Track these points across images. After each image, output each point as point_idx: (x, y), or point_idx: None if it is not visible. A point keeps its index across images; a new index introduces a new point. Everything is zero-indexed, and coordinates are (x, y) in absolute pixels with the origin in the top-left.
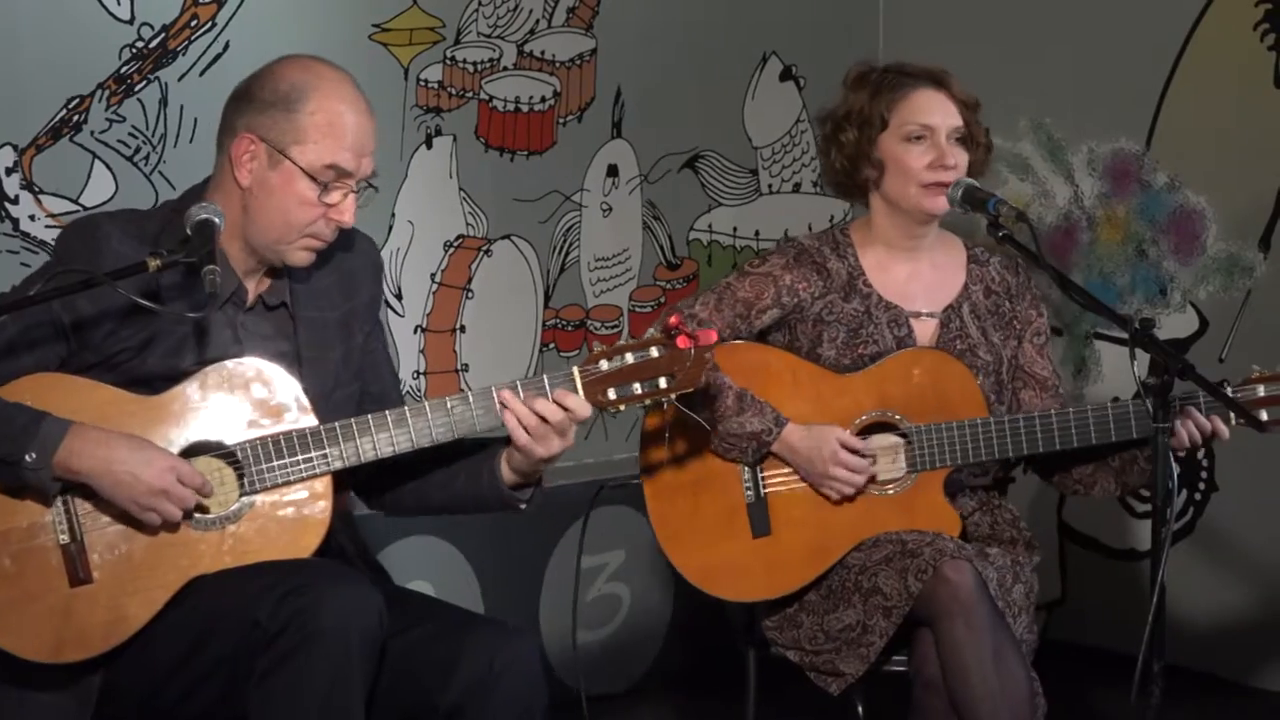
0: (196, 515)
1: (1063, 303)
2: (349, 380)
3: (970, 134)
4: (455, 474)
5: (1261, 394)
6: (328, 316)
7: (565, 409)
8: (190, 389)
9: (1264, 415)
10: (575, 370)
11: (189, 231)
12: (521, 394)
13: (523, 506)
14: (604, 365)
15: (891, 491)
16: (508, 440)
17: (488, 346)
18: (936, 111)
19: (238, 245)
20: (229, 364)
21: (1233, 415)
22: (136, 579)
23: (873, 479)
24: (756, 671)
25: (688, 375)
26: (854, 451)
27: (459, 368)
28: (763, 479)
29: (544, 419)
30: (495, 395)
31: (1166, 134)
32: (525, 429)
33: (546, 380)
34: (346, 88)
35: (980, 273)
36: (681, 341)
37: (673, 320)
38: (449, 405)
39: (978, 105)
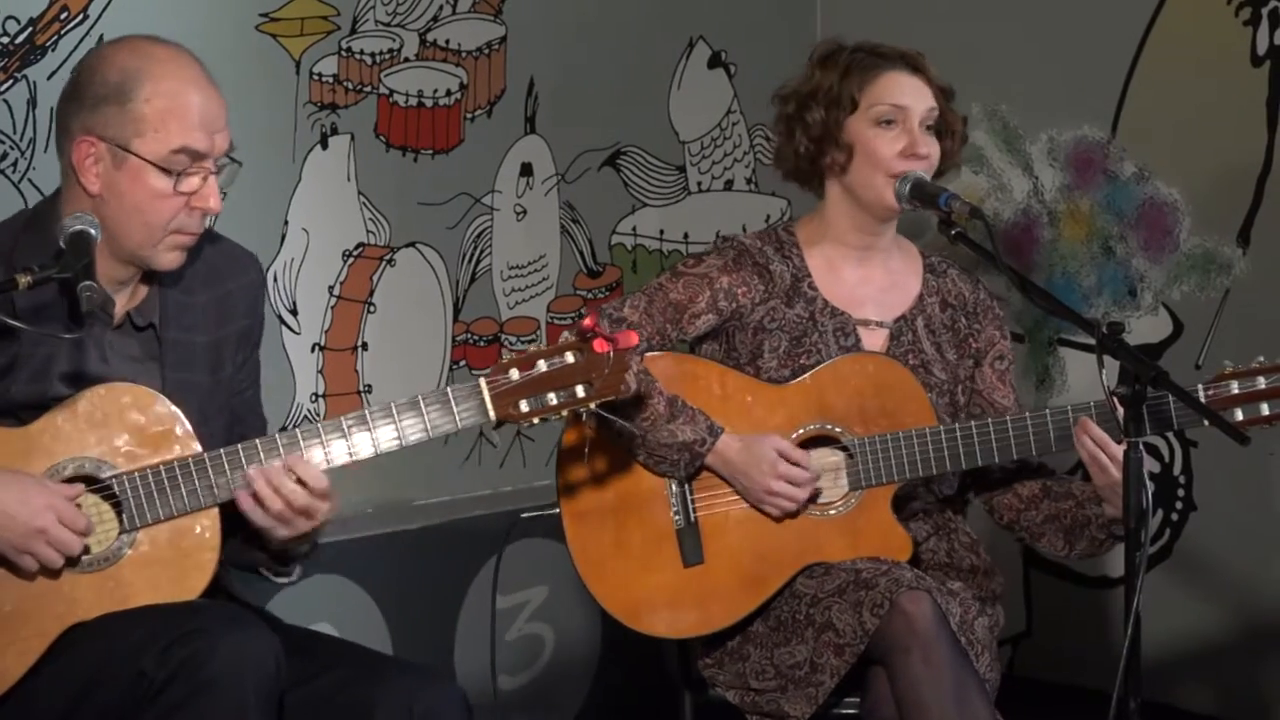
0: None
1: (1023, 307)
2: (215, 414)
3: (945, 122)
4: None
5: (1235, 391)
6: (196, 340)
7: (303, 484)
8: (61, 418)
9: (1239, 414)
10: (482, 381)
11: (62, 245)
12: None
13: (283, 581)
14: (514, 375)
15: (834, 512)
16: None
17: (393, 365)
18: (910, 94)
19: (103, 256)
20: (101, 389)
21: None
22: (9, 629)
23: (814, 497)
24: (693, 716)
25: (607, 382)
26: (796, 463)
27: (361, 389)
28: (693, 502)
29: (288, 501)
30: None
31: (1134, 119)
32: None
33: (280, 440)
34: (183, 64)
35: (937, 284)
36: (598, 345)
37: (587, 322)
38: (345, 425)
39: (953, 94)
